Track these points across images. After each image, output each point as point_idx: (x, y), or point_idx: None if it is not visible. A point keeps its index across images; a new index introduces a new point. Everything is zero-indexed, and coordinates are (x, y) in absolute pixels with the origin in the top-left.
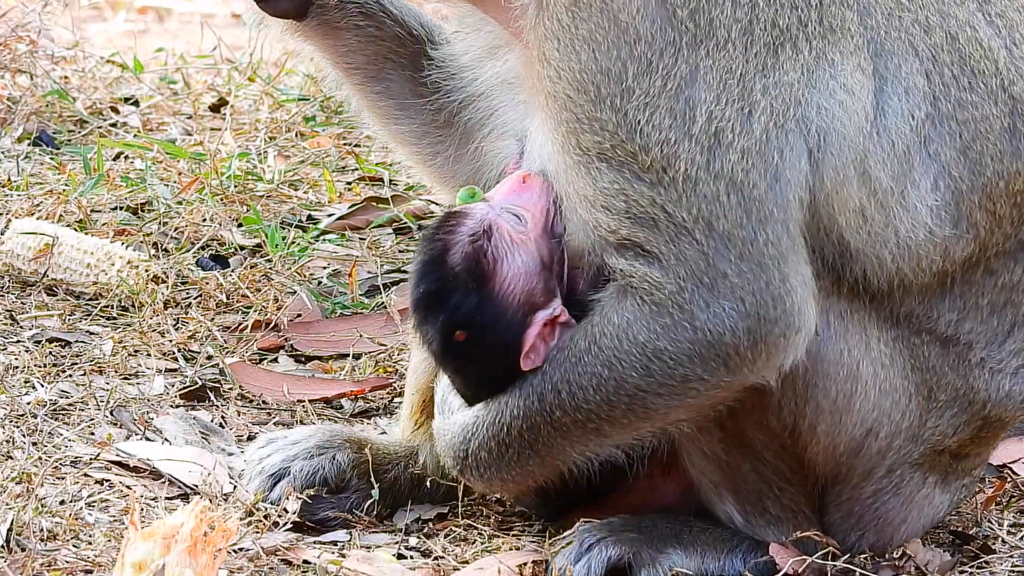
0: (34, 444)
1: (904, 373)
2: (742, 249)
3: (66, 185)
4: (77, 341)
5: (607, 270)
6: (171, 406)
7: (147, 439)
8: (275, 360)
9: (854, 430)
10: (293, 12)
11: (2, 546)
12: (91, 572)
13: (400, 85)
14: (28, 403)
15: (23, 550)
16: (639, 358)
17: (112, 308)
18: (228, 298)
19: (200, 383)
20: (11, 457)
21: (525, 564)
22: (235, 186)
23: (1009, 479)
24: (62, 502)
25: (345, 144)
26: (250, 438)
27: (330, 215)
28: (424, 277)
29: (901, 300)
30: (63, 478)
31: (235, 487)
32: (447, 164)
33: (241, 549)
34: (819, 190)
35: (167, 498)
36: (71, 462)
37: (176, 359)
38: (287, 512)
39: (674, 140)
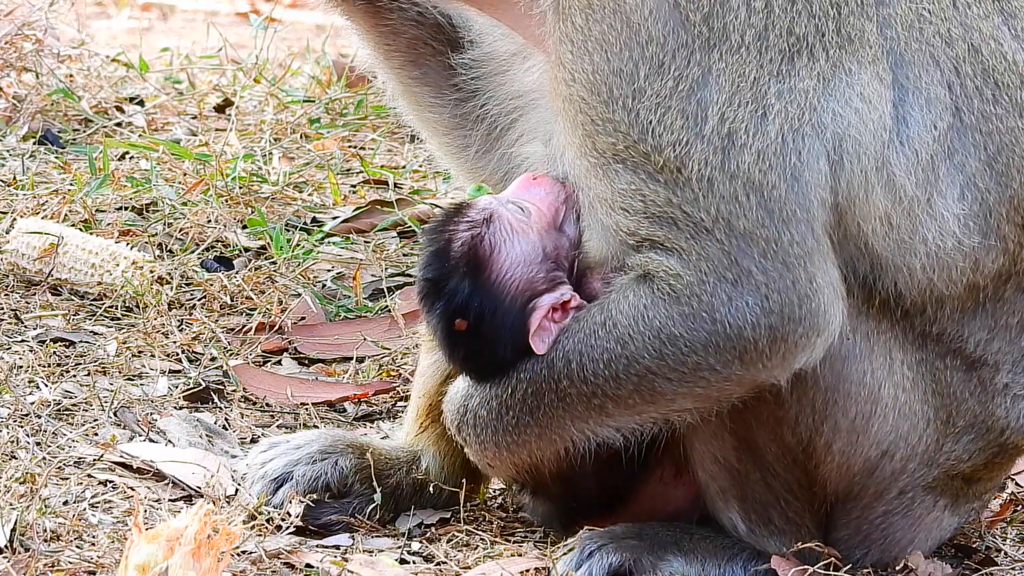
0: (38, 444)
1: (924, 398)
2: (765, 248)
3: (71, 185)
4: (81, 341)
5: (626, 269)
6: (175, 407)
7: (150, 440)
8: (279, 363)
9: (870, 451)
10: None
11: (5, 546)
12: (94, 573)
13: (437, 72)
14: (32, 403)
15: (27, 550)
16: (653, 341)
17: (116, 309)
18: (232, 300)
19: (204, 385)
20: (15, 457)
21: (527, 570)
22: (240, 188)
23: (1012, 496)
24: (65, 503)
25: (350, 147)
26: (253, 440)
27: (335, 218)
28: (426, 267)
29: (935, 316)
30: (67, 479)
31: (238, 490)
32: (474, 158)
33: (244, 552)
34: (842, 195)
35: (170, 500)
36: (75, 463)
37: (180, 360)
38: (290, 516)
39: (686, 141)
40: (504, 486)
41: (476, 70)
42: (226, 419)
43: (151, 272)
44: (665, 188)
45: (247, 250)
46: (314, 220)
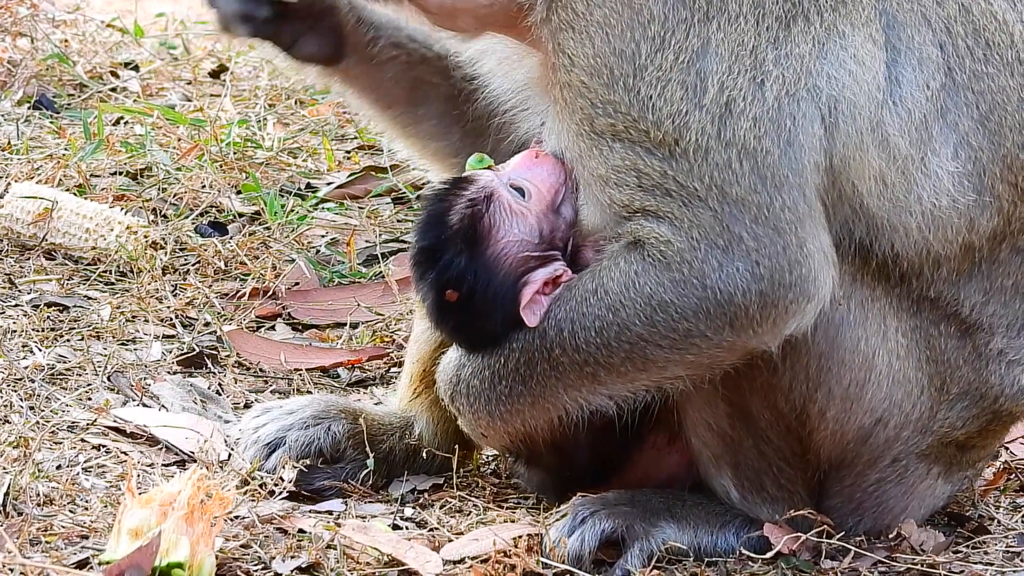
0: (31, 409)
1: (918, 365)
2: (757, 214)
3: (66, 149)
4: (75, 306)
5: (617, 237)
6: (168, 372)
7: (144, 405)
8: (272, 328)
9: (864, 418)
10: (324, 56)
11: None
12: (87, 538)
13: (439, 102)
14: (26, 367)
15: (20, 515)
16: (644, 307)
17: (110, 273)
18: (226, 265)
19: (197, 350)
20: (8, 421)
21: (520, 536)
22: (234, 153)
23: (1006, 464)
24: (59, 467)
25: (344, 113)
26: (247, 406)
27: (329, 184)
28: (422, 234)
29: (931, 278)
30: (60, 443)
31: (231, 455)
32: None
33: (237, 517)
34: (837, 157)
35: (164, 465)
36: (68, 427)
37: (174, 325)
38: (283, 481)
39: (685, 111)
40: (497, 453)
41: (472, 82)
42: (219, 384)
43: (145, 237)
44: (661, 161)
45: (241, 215)
46: (308, 186)
